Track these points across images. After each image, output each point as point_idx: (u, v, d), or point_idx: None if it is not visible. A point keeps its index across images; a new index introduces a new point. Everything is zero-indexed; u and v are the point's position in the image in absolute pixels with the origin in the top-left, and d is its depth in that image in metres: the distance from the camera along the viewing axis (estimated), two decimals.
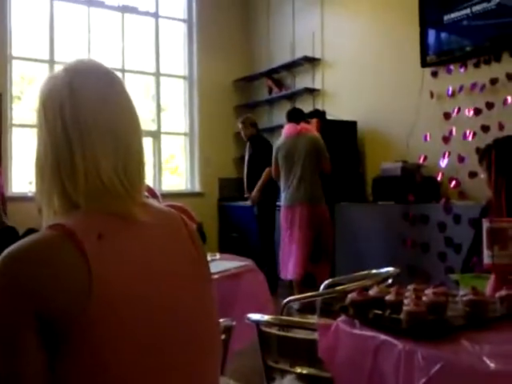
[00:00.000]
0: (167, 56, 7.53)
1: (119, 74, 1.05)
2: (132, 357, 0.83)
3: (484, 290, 1.44)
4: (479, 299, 1.30)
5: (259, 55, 7.79)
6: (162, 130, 7.46)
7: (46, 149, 0.92)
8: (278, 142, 5.20)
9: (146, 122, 7.30)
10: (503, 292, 1.36)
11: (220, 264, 2.43)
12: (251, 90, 7.92)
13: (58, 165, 0.91)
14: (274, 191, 5.60)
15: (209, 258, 2.44)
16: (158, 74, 7.40)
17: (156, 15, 7.37)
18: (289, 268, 4.87)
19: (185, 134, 7.71)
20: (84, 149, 0.90)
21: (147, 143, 7.36)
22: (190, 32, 7.66)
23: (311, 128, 5.14)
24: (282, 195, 5.09)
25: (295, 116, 5.18)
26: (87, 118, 0.91)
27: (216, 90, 7.67)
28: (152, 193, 2.95)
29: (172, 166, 7.77)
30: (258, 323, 1.59)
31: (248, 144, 6.00)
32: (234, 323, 1.58)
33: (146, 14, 7.30)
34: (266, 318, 1.59)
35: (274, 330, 1.60)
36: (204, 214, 6.26)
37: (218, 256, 2.73)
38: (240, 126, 6.08)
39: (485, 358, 1.03)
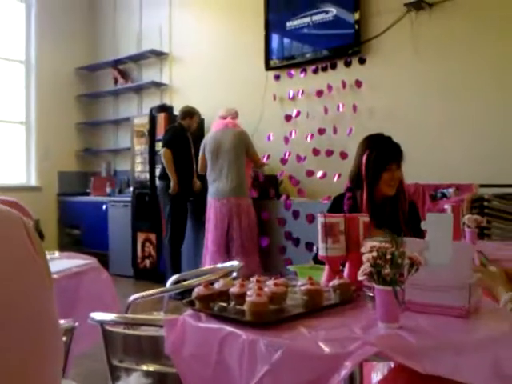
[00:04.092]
0: (2, 37, 6.89)
1: None
2: None
3: (319, 280, 1.56)
4: (315, 288, 1.41)
5: (104, 44, 7.50)
6: None
7: None
8: (207, 136, 5.13)
9: None
10: (336, 281, 1.48)
11: (60, 263, 2.30)
12: (95, 80, 7.60)
13: None
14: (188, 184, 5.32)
15: (47, 257, 2.30)
16: None
17: None
18: (207, 262, 4.73)
19: (21, 123, 7.14)
20: None
21: None
22: (28, 13, 7.12)
23: (237, 123, 5.06)
24: (209, 189, 4.98)
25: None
26: None
27: (57, 77, 7.24)
28: None
29: (5, 157, 7.11)
30: (102, 323, 1.53)
31: (190, 137, 5.37)
32: (76, 324, 1.51)
33: None
34: (111, 316, 1.54)
35: (119, 329, 1.56)
36: (41, 209, 5.86)
37: (57, 254, 2.58)
38: (188, 120, 5.37)
39: (320, 343, 1.11)
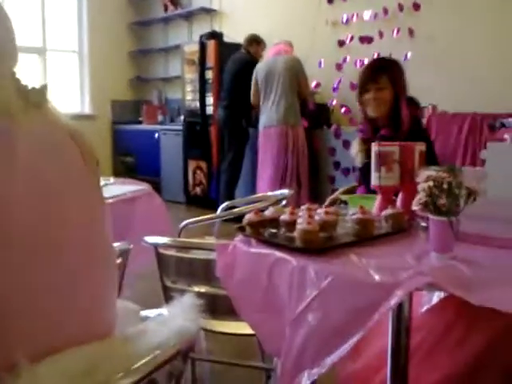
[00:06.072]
0: None
1: None
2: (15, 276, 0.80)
3: (371, 210, 1.53)
4: (366, 217, 1.38)
5: None
6: (49, 46, 6.88)
7: None
8: (258, 64, 5.03)
9: (31, 37, 6.68)
10: (388, 211, 1.46)
11: (115, 188, 2.37)
12: (146, 7, 7.49)
13: None
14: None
15: (102, 183, 2.37)
16: None
17: None
18: (260, 190, 4.71)
19: (74, 52, 7.19)
20: None
21: (32, 60, 6.78)
22: None
23: (290, 50, 4.95)
24: (261, 118, 4.94)
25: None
26: None
27: (108, 5, 7.19)
28: None
29: (59, 85, 7.22)
30: (155, 245, 1.58)
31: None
32: (130, 246, 1.56)
33: None
34: (164, 240, 1.58)
35: (171, 252, 1.60)
36: (96, 137, 5.97)
37: (112, 180, 2.65)
38: (256, 47, 5.31)
39: (370, 271, 1.11)
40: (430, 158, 1.74)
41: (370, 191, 1.76)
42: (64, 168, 0.91)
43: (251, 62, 5.19)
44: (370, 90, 2.17)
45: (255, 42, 5.27)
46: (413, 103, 2.28)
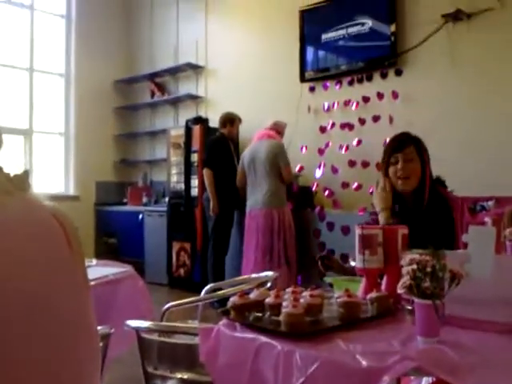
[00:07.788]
0: (43, 51, 7.11)
1: None
2: None
3: (356, 292, 1.53)
4: (352, 301, 1.38)
5: (141, 57, 7.65)
6: (36, 128, 7.01)
7: None
8: (246, 149, 5.17)
9: (18, 119, 6.82)
10: (373, 294, 1.45)
11: (97, 270, 2.34)
12: (132, 93, 7.74)
13: None
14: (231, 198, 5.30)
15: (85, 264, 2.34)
16: (31, 70, 6.96)
17: (31, 8, 6.94)
18: (246, 273, 4.62)
19: (60, 134, 7.32)
20: None
21: (18, 142, 6.86)
22: (69, 28, 7.33)
23: (274, 134, 5.04)
24: (247, 201, 5.01)
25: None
26: None
27: (95, 90, 7.40)
28: None
29: (45, 166, 7.27)
30: (137, 330, 1.54)
31: (232, 146, 5.43)
32: (112, 330, 1.52)
33: (21, 6, 6.85)
34: (146, 324, 1.55)
35: (154, 337, 1.56)
36: (79, 218, 5.97)
37: (94, 262, 2.62)
38: (229, 128, 5.38)
39: (357, 356, 1.09)
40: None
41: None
42: (49, 249, 0.91)
43: (222, 145, 5.30)
44: (398, 160, 2.07)
45: (228, 122, 5.36)
46: (440, 183, 2.20)
